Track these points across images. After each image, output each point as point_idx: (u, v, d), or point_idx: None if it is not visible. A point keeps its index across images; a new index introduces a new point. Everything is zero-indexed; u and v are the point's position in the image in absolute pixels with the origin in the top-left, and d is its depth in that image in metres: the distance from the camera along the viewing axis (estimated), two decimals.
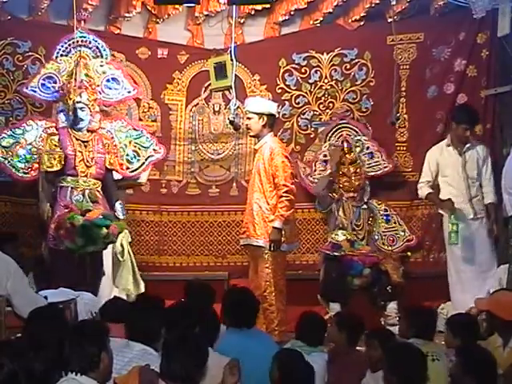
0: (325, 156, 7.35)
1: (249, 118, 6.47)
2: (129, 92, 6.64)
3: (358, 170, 7.11)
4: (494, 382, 3.53)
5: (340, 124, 7.40)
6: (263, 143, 6.44)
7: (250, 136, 6.72)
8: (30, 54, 6.97)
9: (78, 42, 6.46)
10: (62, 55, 6.47)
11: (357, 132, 7.37)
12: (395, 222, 7.28)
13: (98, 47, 6.55)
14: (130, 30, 7.32)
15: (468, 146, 6.65)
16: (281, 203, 6.26)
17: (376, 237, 7.17)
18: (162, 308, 4.08)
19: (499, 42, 7.05)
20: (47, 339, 3.54)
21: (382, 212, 7.24)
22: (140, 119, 7.38)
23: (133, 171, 6.55)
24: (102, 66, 6.52)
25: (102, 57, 6.55)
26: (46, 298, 5.15)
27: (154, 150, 6.60)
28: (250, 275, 6.50)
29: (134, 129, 6.62)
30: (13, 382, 3.09)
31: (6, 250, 5.33)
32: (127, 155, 6.49)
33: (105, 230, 6.01)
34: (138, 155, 6.52)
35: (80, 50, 6.40)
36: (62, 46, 6.48)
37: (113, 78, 6.54)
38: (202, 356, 3.30)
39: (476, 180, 6.63)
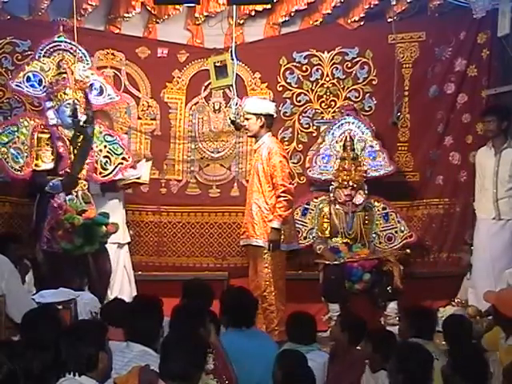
0: (326, 150, 7.31)
1: (247, 119, 6.57)
2: (111, 98, 6.66)
3: (359, 168, 7.07)
4: (485, 381, 3.62)
5: (346, 119, 7.32)
6: (261, 143, 6.54)
7: (248, 136, 6.83)
8: (30, 52, 6.96)
9: (60, 45, 6.48)
10: (44, 56, 6.47)
11: (362, 130, 7.28)
12: (394, 220, 7.23)
13: (79, 52, 6.54)
14: (129, 30, 7.36)
15: (505, 145, 6.64)
16: (279, 203, 6.37)
17: (374, 235, 7.16)
18: (160, 308, 4.13)
19: (499, 42, 7.11)
20: (43, 339, 3.62)
21: (380, 210, 7.18)
22: (139, 117, 7.43)
23: (104, 176, 6.56)
24: (84, 70, 6.54)
25: (83, 61, 6.55)
26: (34, 300, 5.23)
27: (124, 158, 6.62)
28: (249, 275, 6.58)
29: (110, 135, 6.66)
30: (12, 382, 3.15)
31: (8, 251, 5.43)
32: (101, 160, 6.56)
33: (104, 229, 6.13)
34: (110, 161, 6.58)
35: (62, 54, 6.45)
36: (44, 48, 6.47)
37: (95, 84, 6.57)
38: (200, 355, 3.36)
39: (508, 182, 6.59)
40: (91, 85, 6.54)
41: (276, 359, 3.97)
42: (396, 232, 7.18)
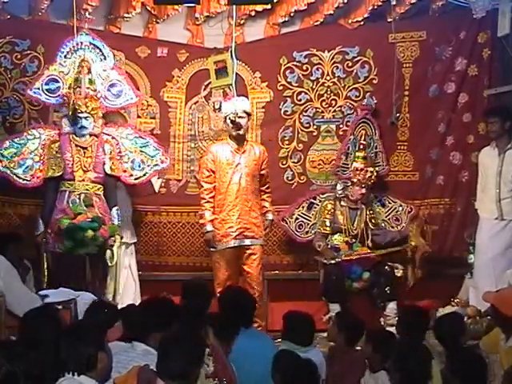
0: (348, 149, 7.35)
1: (242, 117, 6.69)
2: (131, 98, 6.86)
3: (374, 168, 7.19)
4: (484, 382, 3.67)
5: (364, 118, 7.39)
6: (245, 143, 6.76)
7: (238, 136, 6.76)
8: (29, 52, 7.08)
9: (81, 44, 6.64)
10: (65, 57, 6.66)
11: (373, 130, 7.37)
12: (389, 202, 7.37)
13: (101, 50, 6.74)
14: (129, 30, 7.41)
15: (509, 146, 6.70)
16: (270, 198, 6.82)
17: (383, 224, 7.24)
18: (167, 310, 4.20)
19: (499, 42, 7.15)
20: (42, 339, 3.65)
21: (375, 200, 7.31)
22: (138, 116, 7.47)
23: (136, 179, 6.75)
24: (105, 70, 6.73)
25: (105, 60, 6.74)
26: (46, 296, 5.28)
27: (160, 159, 6.80)
28: (231, 276, 6.64)
29: (141, 137, 6.84)
30: (11, 382, 3.23)
31: (8, 250, 5.49)
32: (132, 162, 6.68)
33: (90, 233, 6.21)
34: (144, 163, 6.72)
35: (84, 54, 6.60)
36: (65, 48, 6.66)
37: (115, 85, 6.76)
38: (199, 353, 3.43)
39: (511, 182, 6.64)
40: (111, 85, 6.71)
41: (273, 361, 4.01)
42: (397, 212, 7.31)
